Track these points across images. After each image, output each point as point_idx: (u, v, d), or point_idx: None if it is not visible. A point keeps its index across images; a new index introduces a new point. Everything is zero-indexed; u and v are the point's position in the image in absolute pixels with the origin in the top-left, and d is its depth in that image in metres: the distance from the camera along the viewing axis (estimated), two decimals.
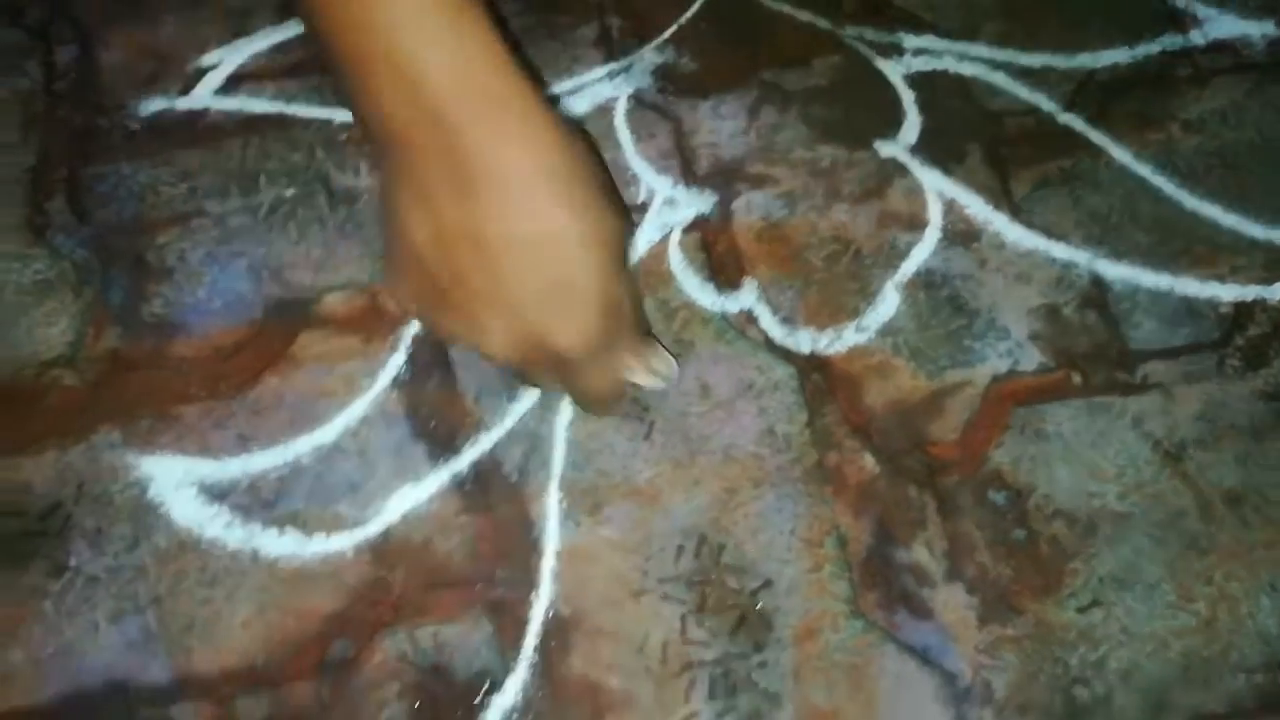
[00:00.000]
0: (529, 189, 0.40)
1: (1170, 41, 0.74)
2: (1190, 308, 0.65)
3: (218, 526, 0.58)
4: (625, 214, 0.49)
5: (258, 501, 0.59)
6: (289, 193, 0.67)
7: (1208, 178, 0.69)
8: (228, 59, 0.72)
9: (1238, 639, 0.56)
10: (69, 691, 0.54)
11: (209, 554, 0.57)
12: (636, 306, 0.53)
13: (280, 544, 0.58)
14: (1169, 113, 0.72)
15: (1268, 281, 0.66)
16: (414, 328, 0.63)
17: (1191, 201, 0.68)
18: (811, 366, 0.63)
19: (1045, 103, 0.72)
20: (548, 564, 0.57)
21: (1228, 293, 0.65)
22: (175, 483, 0.59)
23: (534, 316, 0.44)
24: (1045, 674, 0.56)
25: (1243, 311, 0.65)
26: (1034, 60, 0.73)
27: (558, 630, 0.56)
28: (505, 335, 0.45)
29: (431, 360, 0.62)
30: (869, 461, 0.60)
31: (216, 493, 0.59)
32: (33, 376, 0.62)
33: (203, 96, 0.71)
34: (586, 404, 0.57)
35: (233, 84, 0.72)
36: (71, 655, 0.55)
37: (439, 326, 0.49)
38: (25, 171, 0.69)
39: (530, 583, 0.57)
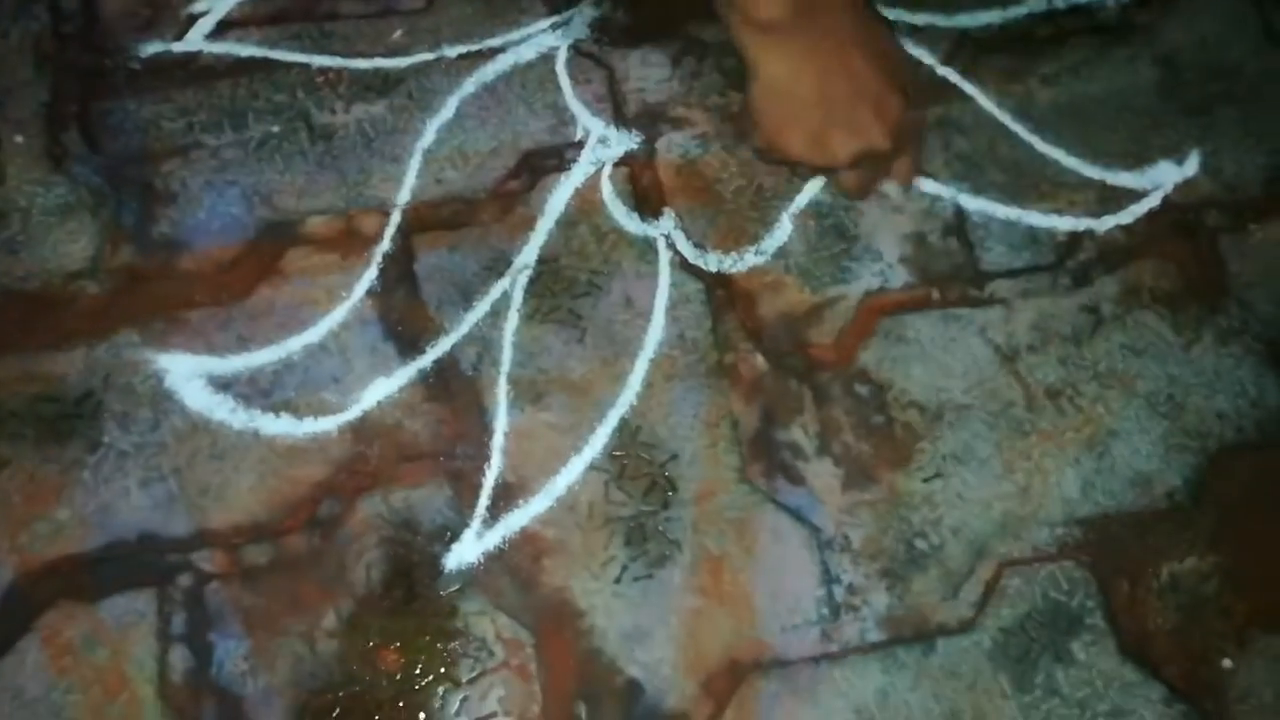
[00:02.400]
0: None
1: (1036, 4, 0.86)
2: (1033, 235, 0.79)
3: (224, 411, 0.70)
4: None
5: (257, 391, 0.71)
6: (275, 129, 0.78)
7: (1057, 125, 0.82)
8: (216, 6, 0.82)
9: (1046, 501, 0.71)
10: (110, 542, 0.67)
11: (218, 433, 0.70)
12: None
13: (276, 425, 0.70)
14: (1030, 68, 0.84)
15: (1097, 215, 0.79)
16: (385, 246, 0.75)
17: (1042, 145, 0.81)
18: (717, 283, 0.76)
19: (927, 56, 0.84)
20: (498, 441, 0.71)
21: (1064, 224, 0.79)
22: (187, 375, 0.71)
23: None
24: (893, 529, 0.70)
25: (1074, 240, 0.79)
26: (919, 19, 0.85)
27: (505, 493, 0.69)
28: None
29: (399, 275, 0.74)
30: (759, 360, 0.74)
31: (222, 384, 0.71)
32: (60, 286, 0.73)
33: (195, 41, 0.81)
34: None
35: (221, 29, 0.82)
36: (109, 513, 0.68)
37: None
38: (41, 106, 0.78)
39: (483, 456, 0.70)
